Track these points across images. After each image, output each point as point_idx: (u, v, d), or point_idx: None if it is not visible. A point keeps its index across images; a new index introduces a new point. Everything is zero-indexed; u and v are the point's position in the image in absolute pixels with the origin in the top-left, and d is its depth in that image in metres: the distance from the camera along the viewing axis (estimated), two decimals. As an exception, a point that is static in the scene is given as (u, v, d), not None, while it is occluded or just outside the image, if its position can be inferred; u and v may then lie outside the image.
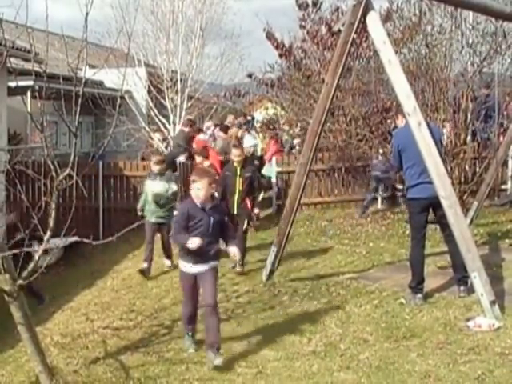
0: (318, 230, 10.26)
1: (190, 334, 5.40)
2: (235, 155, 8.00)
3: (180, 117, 15.75)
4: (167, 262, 8.48)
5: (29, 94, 11.22)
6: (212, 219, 5.02)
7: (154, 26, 16.27)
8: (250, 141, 12.61)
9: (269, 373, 4.79)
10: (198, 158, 9.25)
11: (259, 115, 17.16)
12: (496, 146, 9.32)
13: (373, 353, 4.97)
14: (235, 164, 7.98)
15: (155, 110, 15.86)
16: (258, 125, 15.88)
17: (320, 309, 6.16)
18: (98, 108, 14.67)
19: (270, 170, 12.29)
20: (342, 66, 6.37)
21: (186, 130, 12.59)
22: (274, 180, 12.11)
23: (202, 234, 4.94)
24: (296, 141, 14.47)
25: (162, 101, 15.94)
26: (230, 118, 15.55)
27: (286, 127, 14.17)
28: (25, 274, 4.60)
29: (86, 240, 4.89)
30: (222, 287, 7.34)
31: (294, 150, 14.31)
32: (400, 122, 6.70)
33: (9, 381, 5.37)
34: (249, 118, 17.33)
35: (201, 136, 12.81)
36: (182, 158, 11.77)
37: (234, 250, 5.16)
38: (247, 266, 8.06)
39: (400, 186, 10.68)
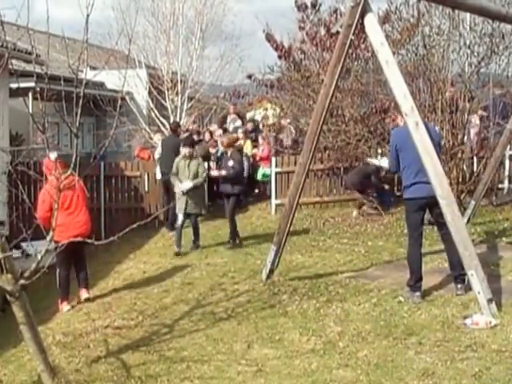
0: (317, 229, 10.31)
1: None
2: None
3: (180, 118, 15.81)
4: None
5: (30, 95, 11.26)
6: None
7: (154, 27, 16.36)
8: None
9: (268, 371, 4.84)
10: None
11: (258, 116, 17.13)
12: (493, 145, 9.38)
13: (371, 350, 5.01)
14: None
15: (156, 111, 15.92)
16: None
17: (319, 307, 6.20)
18: (99, 109, 14.72)
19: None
20: (340, 66, 6.41)
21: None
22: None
23: None
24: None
25: (163, 102, 16.00)
26: (229, 118, 15.39)
27: (265, 131, 14.22)
28: (27, 273, 4.66)
29: (87, 240, 4.96)
30: (222, 286, 7.41)
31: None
32: (398, 122, 6.75)
33: (11, 380, 5.42)
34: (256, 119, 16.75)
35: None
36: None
37: None
38: (247, 266, 8.12)
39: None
